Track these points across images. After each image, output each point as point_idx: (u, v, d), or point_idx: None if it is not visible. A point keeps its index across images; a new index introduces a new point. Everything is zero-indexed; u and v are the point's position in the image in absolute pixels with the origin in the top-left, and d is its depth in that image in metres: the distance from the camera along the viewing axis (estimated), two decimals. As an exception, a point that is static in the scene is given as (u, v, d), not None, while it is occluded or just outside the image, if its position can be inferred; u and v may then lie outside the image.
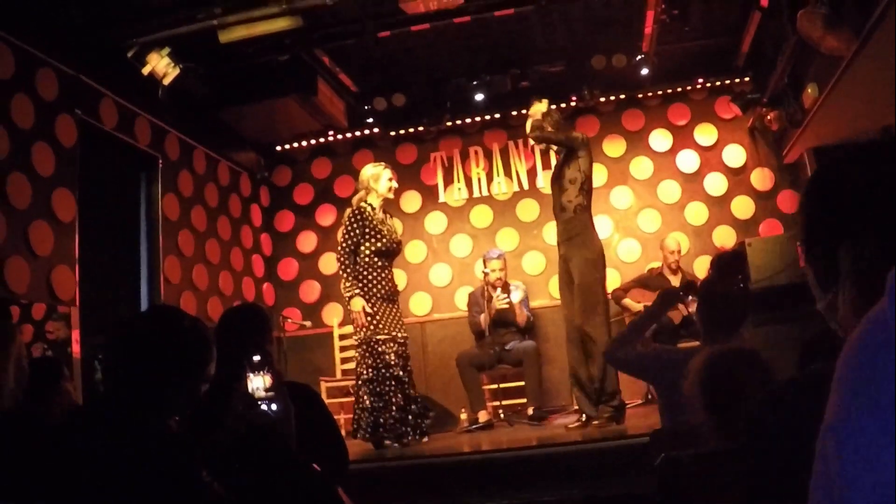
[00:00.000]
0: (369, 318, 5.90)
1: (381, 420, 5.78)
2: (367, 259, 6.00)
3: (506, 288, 7.47)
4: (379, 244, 6.01)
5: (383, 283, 5.99)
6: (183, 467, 2.05)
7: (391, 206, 8.58)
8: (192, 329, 2.29)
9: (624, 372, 4.11)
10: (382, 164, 6.39)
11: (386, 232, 6.04)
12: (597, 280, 5.89)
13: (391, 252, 6.05)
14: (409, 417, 5.91)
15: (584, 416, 5.84)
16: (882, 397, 0.72)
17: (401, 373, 5.88)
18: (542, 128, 5.99)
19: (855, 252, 0.98)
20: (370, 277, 5.98)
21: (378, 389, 5.84)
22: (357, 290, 5.92)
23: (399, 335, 5.96)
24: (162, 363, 2.15)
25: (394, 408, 5.82)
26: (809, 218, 1.08)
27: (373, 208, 6.12)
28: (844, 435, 0.74)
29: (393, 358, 5.87)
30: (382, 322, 5.94)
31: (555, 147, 6.13)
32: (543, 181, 8.61)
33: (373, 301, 5.93)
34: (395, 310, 6.01)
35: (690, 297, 4.45)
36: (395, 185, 6.23)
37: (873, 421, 0.72)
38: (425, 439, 6.02)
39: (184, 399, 2.24)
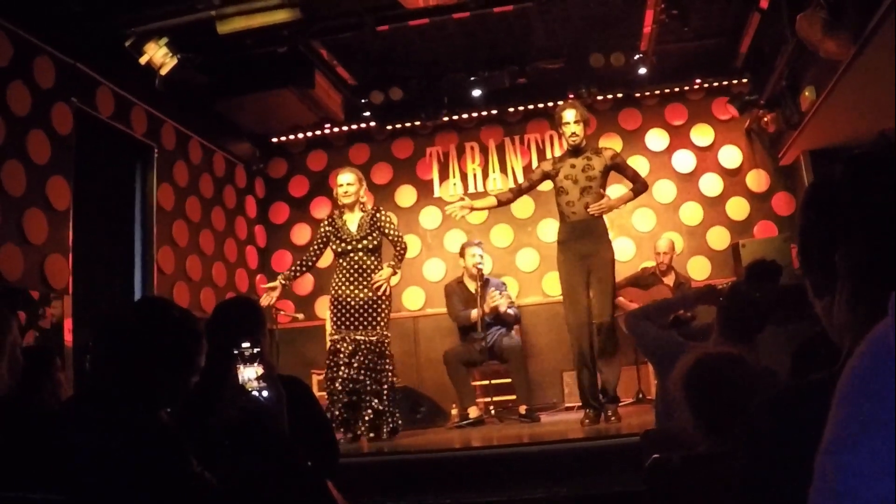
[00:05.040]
0: (330, 314, 6.16)
1: (329, 414, 5.83)
2: (334, 261, 6.26)
3: (484, 282, 7.30)
4: (334, 247, 6.15)
5: (341, 285, 6.06)
6: (173, 458, 2.05)
7: (384, 200, 8.65)
8: (180, 321, 2.28)
9: (637, 342, 4.11)
10: (343, 169, 6.38)
11: (344, 235, 6.09)
12: (615, 278, 6.11)
13: (342, 253, 6.10)
14: (366, 413, 5.87)
15: (590, 411, 5.84)
16: (883, 421, 0.72)
17: (353, 373, 5.88)
18: (611, 205, 6.01)
19: (850, 259, 0.99)
20: (332, 278, 6.18)
21: (329, 386, 5.96)
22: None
23: (357, 336, 5.96)
24: (150, 355, 2.15)
25: (341, 405, 5.87)
26: (806, 224, 1.08)
27: (339, 215, 6.22)
28: (843, 457, 0.74)
29: (343, 357, 5.90)
30: (335, 320, 6.06)
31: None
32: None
33: (332, 297, 6.12)
34: (354, 310, 6.00)
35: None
36: (344, 190, 6.13)
37: (873, 445, 0.72)
38: (396, 436, 5.98)
39: (173, 391, 2.24)
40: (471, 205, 6.22)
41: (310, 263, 6.34)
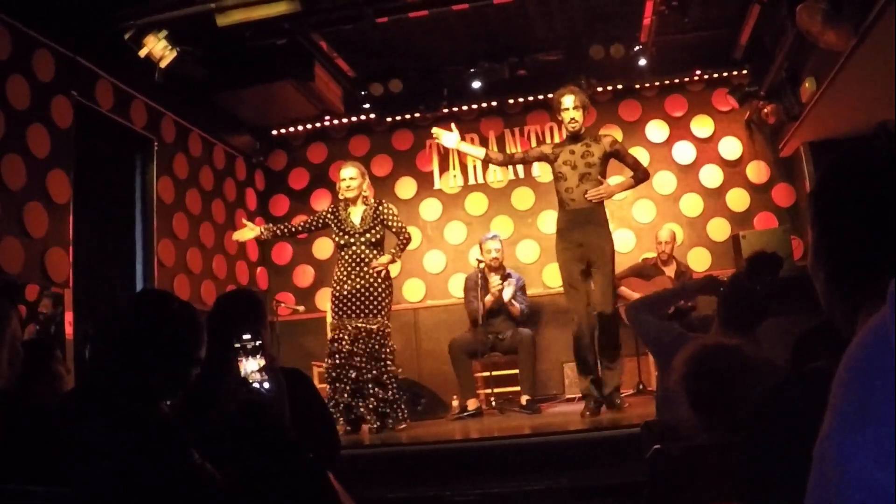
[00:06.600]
0: (331, 306, 6.20)
1: (333, 402, 5.83)
2: (336, 253, 6.33)
3: (503, 275, 7.34)
4: (337, 238, 6.19)
5: (341, 277, 6.09)
6: (173, 450, 2.06)
7: (385, 192, 8.66)
8: (180, 313, 2.28)
9: (638, 332, 4.10)
10: (346, 163, 6.40)
11: (347, 227, 6.11)
12: (614, 269, 6.06)
13: (345, 245, 6.12)
14: (370, 402, 5.88)
15: (592, 402, 5.81)
16: (881, 410, 0.72)
17: (354, 361, 5.89)
18: (611, 191, 5.97)
19: (864, 253, 0.98)
20: (334, 270, 6.24)
21: (332, 374, 5.97)
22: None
23: (357, 323, 5.96)
24: (150, 347, 2.15)
25: (345, 394, 5.89)
26: (821, 217, 1.07)
27: (343, 207, 6.24)
28: (841, 446, 0.74)
29: (344, 345, 5.92)
30: (336, 310, 6.07)
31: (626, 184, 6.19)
32: (539, 170, 8.60)
33: (333, 289, 6.15)
34: (353, 299, 6.00)
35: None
36: (346, 184, 6.13)
37: (872, 433, 0.72)
38: (401, 426, 5.98)
39: (173, 383, 2.24)
40: (458, 139, 6.18)
41: (292, 230, 6.51)
